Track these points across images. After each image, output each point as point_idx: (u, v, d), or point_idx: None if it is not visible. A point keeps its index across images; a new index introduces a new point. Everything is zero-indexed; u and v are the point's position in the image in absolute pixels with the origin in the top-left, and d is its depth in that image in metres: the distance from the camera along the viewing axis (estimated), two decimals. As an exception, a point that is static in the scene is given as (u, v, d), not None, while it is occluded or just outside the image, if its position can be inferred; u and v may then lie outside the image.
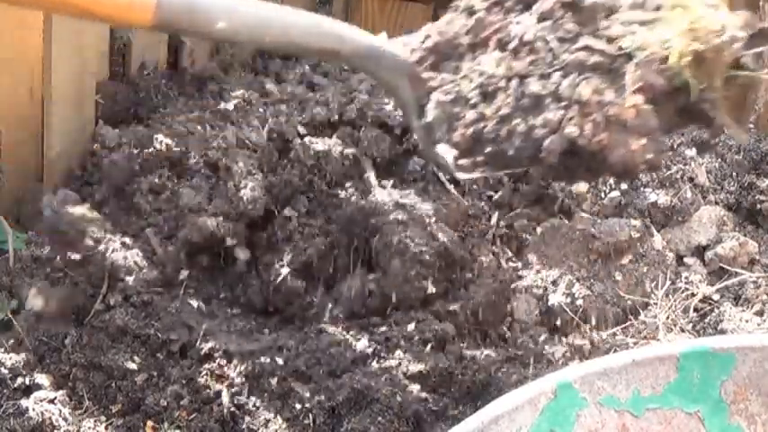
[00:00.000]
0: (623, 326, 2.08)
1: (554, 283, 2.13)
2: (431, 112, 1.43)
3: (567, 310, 2.08)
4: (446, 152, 1.44)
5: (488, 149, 1.44)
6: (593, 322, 2.08)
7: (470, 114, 1.44)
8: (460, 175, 1.45)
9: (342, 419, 1.84)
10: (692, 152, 2.39)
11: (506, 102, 1.45)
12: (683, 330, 2.03)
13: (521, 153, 1.43)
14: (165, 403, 1.89)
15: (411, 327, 2.02)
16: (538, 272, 2.16)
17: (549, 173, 1.45)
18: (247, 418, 1.87)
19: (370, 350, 1.97)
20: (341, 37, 1.31)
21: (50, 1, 1.22)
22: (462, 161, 1.45)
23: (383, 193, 2.24)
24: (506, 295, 2.14)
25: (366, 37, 1.33)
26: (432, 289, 2.11)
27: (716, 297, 2.10)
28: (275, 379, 1.91)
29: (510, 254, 2.28)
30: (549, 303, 2.10)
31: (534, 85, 1.45)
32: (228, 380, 1.92)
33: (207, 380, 1.93)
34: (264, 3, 1.22)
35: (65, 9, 1.19)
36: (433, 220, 2.18)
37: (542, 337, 2.06)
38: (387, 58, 1.35)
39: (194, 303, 2.10)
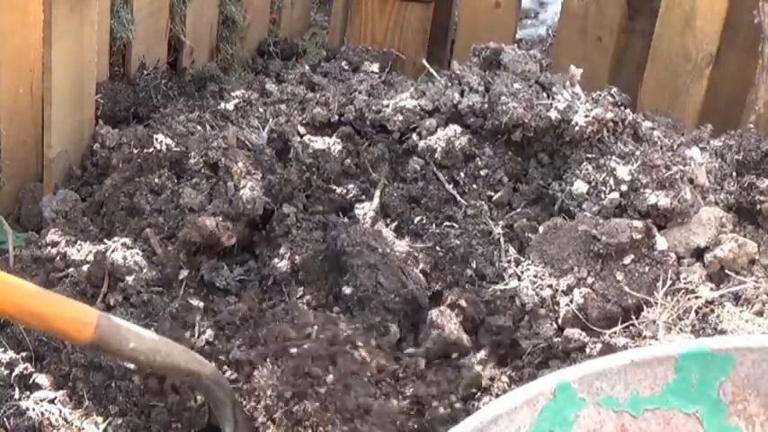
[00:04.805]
0: (623, 326, 2.08)
1: (555, 282, 2.13)
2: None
3: (568, 309, 2.08)
4: None
5: None
6: (594, 322, 2.07)
7: None
8: None
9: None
10: (691, 152, 2.38)
11: None
12: (682, 331, 2.03)
13: None
14: (166, 404, 1.89)
15: None
16: (539, 272, 2.16)
17: None
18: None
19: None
20: (201, 361, 1.76)
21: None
22: None
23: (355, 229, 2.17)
24: (505, 296, 2.14)
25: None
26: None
27: (716, 297, 2.10)
28: (275, 379, 1.91)
29: (510, 254, 2.27)
30: (551, 303, 2.10)
31: None
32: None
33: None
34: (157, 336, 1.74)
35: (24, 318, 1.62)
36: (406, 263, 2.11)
37: (543, 336, 2.06)
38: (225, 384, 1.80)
39: (194, 303, 2.10)
